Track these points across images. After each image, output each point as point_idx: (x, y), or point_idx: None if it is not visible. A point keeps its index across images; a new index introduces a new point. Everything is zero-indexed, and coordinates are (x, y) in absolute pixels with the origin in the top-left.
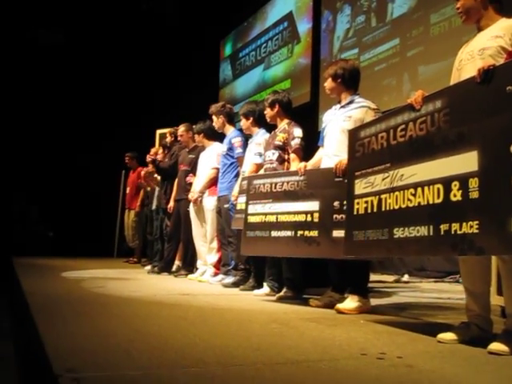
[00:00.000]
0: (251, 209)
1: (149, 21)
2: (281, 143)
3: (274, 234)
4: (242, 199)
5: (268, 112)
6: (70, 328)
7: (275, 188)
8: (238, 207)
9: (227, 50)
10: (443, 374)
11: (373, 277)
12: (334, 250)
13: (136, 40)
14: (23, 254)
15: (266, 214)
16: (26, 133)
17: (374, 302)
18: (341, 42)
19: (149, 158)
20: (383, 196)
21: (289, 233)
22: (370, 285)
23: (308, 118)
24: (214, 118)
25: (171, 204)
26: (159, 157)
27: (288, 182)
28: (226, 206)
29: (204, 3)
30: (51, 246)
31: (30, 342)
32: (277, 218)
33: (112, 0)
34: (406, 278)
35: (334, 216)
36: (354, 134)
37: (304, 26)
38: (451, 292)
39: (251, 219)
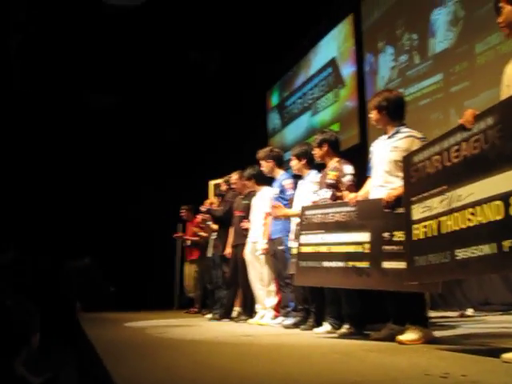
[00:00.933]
0: (303, 239)
1: (196, 75)
2: (333, 181)
3: (326, 264)
4: (296, 243)
5: (317, 152)
6: (137, 364)
7: (327, 219)
8: (294, 251)
9: (274, 99)
10: None
11: (435, 313)
12: (384, 282)
13: (187, 93)
14: (87, 309)
15: (318, 245)
16: (79, 191)
17: (437, 334)
18: (385, 83)
19: (203, 208)
20: (442, 219)
21: (340, 263)
22: (433, 320)
23: (358, 158)
24: (262, 162)
25: (229, 250)
26: (214, 206)
27: (340, 213)
28: (280, 247)
29: (249, 55)
30: (113, 301)
31: (99, 380)
32: (329, 249)
33: (159, 57)
34: (470, 312)
35: (384, 247)
36: (407, 160)
37: (348, 70)
38: None
39: (304, 249)
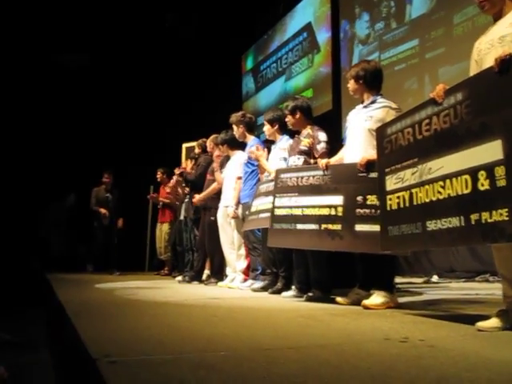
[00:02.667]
0: (278, 202)
1: (172, 37)
2: (306, 148)
3: (300, 226)
4: (258, 201)
5: (289, 119)
6: (105, 324)
7: (301, 182)
8: (254, 209)
9: (249, 63)
10: (463, 352)
11: (402, 279)
12: (356, 244)
13: (160, 57)
14: (56, 270)
15: (291, 207)
16: (51, 153)
17: (402, 299)
18: (360, 50)
19: (178, 171)
20: (414, 190)
21: (313, 226)
22: (399, 286)
23: (331, 125)
24: (234, 127)
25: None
26: (188, 169)
27: (314, 176)
28: (247, 212)
29: (224, 19)
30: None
31: (67, 338)
32: (302, 211)
33: (136, 19)
34: (435, 278)
35: (357, 210)
36: (381, 132)
37: (323, 36)
38: (480, 289)
39: (278, 212)
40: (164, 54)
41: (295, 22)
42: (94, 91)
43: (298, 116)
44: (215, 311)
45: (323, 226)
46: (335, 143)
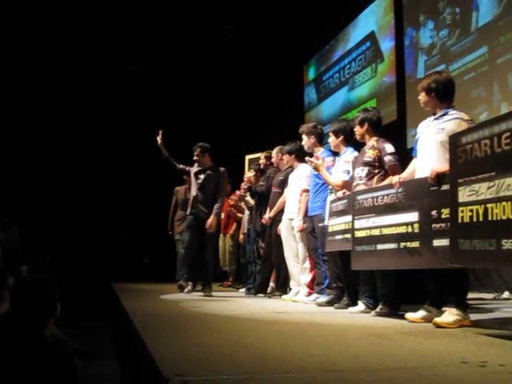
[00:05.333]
0: (357, 224)
1: (233, 49)
2: (370, 159)
3: (380, 247)
4: (333, 221)
5: (357, 130)
6: (174, 340)
7: (377, 202)
8: (329, 230)
9: (311, 73)
10: None
11: (470, 294)
12: (435, 260)
13: (221, 68)
14: (121, 280)
15: (370, 228)
16: (122, 169)
17: (473, 317)
18: (425, 60)
19: (245, 185)
20: (489, 205)
21: (392, 245)
22: (468, 302)
23: (395, 135)
24: (304, 137)
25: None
26: (251, 180)
27: (388, 195)
28: (320, 224)
29: (285, 30)
30: (147, 272)
31: (136, 353)
32: (380, 232)
33: (196, 32)
34: (506, 294)
35: (433, 225)
36: (455, 141)
37: (387, 45)
38: None
39: (358, 234)
40: (225, 65)
41: (358, 31)
42: (157, 104)
43: (365, 128)
44: (283, 327)
45: (402, 244)
46: (400, 154)
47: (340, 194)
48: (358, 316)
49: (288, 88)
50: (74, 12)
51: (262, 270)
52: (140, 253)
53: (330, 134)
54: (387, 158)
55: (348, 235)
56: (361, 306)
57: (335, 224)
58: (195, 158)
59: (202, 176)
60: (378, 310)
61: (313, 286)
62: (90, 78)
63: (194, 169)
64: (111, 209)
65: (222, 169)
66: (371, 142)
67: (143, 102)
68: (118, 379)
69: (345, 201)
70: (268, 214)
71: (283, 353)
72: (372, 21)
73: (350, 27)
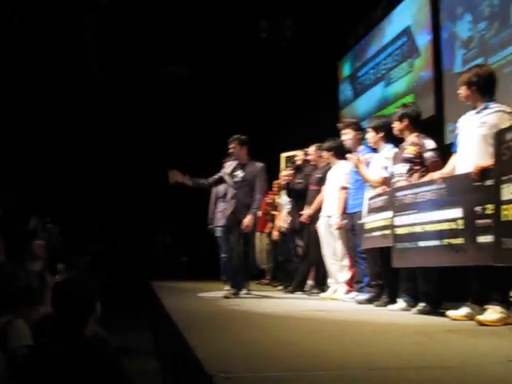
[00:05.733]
0: (397, 220)
1: (267, 47)
2: (411, 155)
3: (422, 244)
4: (370, 218)
5: (397, 125)
6: (216, 338)
7: (418, 198)
8: (367, 227)
9: (346, 70)
10: None
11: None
12: (480, 257)
13: (257, 67)
14: (160, 278)
15: (412, 225)
16: (158, 167)
17: None
18: (463, 51)
19: (283, 181)
20: None
21: (436, 242)
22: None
23: (433, 131)
24: (350, 132)
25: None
26: (287, 178)
27: (430, 191)
28: (360, 222)
29: (321, 26)
30: (185, 270)
31: (178, 351)
32: (423, 228)
33: (230, 31)
34: None
35: (478, 221)
36: (499, 137)
37: (423, 39)
38: None
39: (399, 231)
40: (260, 63)
41: (393, 26)
42: (194, 103)
43: (405, 123)
44: (323, 325)
45: (445, 240)
46: (439, 149)
47: (379, 190)
48: (398, 314)
49: (323, 85)
50: (111, 14)
51: (301, 267)
52: (177, 251)
53: (370, 130)
54: (428, 154)
55: (387, 231)
56: (401, 303)
57: (373, 220)
58: (231, 150)
59: (239, 172)
60: (419, 307)
61: (352, 283)
62: (129, 79)
63: (228, 167)
64: (148, 208)
65: (260, 164)
66: (411, 137)
67: (179, 102)
68: (158, 376)
69: (384, 197)
70: (307, 212)
71: (324, 351)
72: (407, 15)
73: (384, 22)
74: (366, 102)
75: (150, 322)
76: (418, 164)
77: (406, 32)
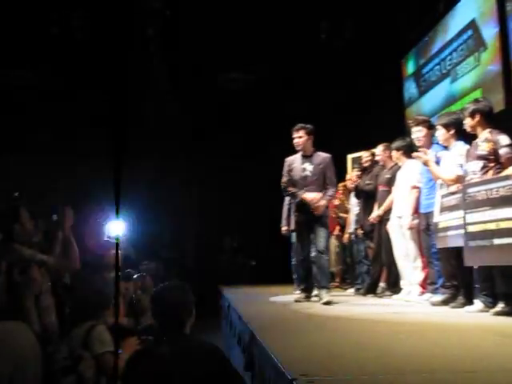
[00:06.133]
0: (469, 218)
1: (329, 48)
2: (485, 152)
3: (497, 241)
4: (444, 217)
5: (468, 122)
6: (293, 341)
7: (491, 194)
8: (440, 226)
9: (410, 68)
10: None
11: None
12: None
13: (319, 68)
14: (229, 283)
15: (485, 222)
16: (226, 172)
17: None
18: None
19: (351, 184)
20: None
21: (511, 239)
22: None
23: (504, 125)
24: (420, 129)
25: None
26: (353, 179)
27: (504, 187)
28: (435, 221)
29: (379, 24)
30: (253, 274)
31: (253, 355)
32: (497, 226)
33: (291, 33)
34: None
35: None
36: None
37: (490, 32)
38: None
39: (471, 229)
40: (322, 64)
41: (457, 20)
42: (256, 108)
43: (476, 119)
44: (399, 327)
45: None
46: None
47: (453, 188)
48: (476, 315)
49: (387, 84)
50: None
51: (372, 270)
52: (246, 255)
53: (440, 127)
54: (503, 151)
55: (461, 231)
56: (478, 304)
57: (447, 219)
58: (297, 140)
59: (306, 166)
60: (497, 308)
61: (425, 285)
62: (195, 87)
63: (293, 162)
64: (216, 212)
65: (327, 154)
66: (484, 134)
67: (243, 106)
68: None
69: (458, 195)
70: (376, 213)
71: (405, 353)
72: (472, 8)
73: (448, 17)
74: (431, 100)
75: (223, 326)
76: (493, 161)
77: (472, 25)
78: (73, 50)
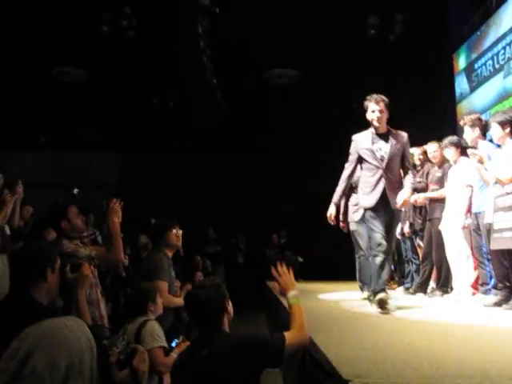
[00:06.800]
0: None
1: (378, 43)
2: None
3: None
4: (499, 217)
5: None
6: (346, 341)
7: None
8: (496, 227)
9: (461, 62)
10: None
11: None
12: None
13: (369, 64)
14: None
15: None
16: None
17: None
18: None
19: None
20: None
21: None
22: None
23: None
24: (467, 129)
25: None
26: None
27: None
28: (485, 222)
29: (433, 17)
30: (301, 271)
31: (306, 355)
32: None
33: (340, 30)
34: None
35: None
36: None
37: None
38: None
39: (496, 226)
40: (372, 60)
41: (511, 14)
42: (304, 104)
43: None
44: (452, 329)
45: None
46: None
47: (510, 188)
48: None
49: (438, 79)
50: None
51: (422, 268)
52: (293, 251)
53: (495, 125)
54: None
55: None
56: None
57: (503, 220)
58: (378, 114)
59: (381, 145)
60: None
61: (477, 285)
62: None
63: (364, 141)
64: (262, 208)
65: (404, 133)
66: None
67: (291, 103)
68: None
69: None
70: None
71: (460, 357)
72: None
73: (501, 11)
74: (483, 95)
75: (270, 322)
76: None
77: None
78: (124, 48)
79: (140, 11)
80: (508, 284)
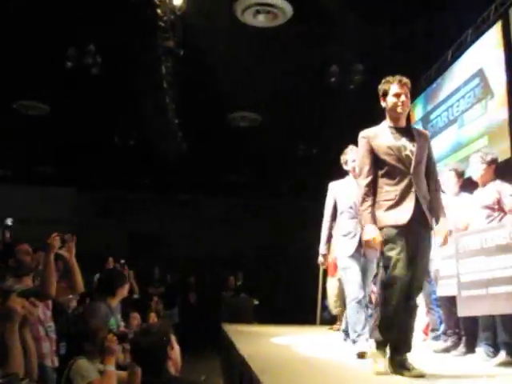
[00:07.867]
0: (462, 267)
1: (335, 91)
2: (490, 202)
3: (492, 290)
4: (445, 264)
5: (483, 168)
6: None
7: (486, 244)
8: (442, 273)
9: (417, 113)
10: None
11: None
12: None
13: (327, 109)
14: (231, 321)
15: (480, 272)
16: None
17: None
18: None
19: None
20: None
21: (509, 288)
22: None
23: (510, 174)
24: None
25: None
26: None
27: (499, 236)
28: (434, 268)
29: (389, 69)
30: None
31: None
32: (492, 274)
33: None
34: None
35: None
36: None
37: (497, 81)
38: None
39: (464, 278)
40: (329, 105)
41: (465, 68)
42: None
43: (493, 168)
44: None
45: None
46: None
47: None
48: (477, 366)
49: None
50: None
51: (375, 313)
52: (248, 294)
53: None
54: (508, 200)
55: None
56: (480, 354)
57: (447, 267)
58: (403, 99)
59: (405, 143)
60: (499, 359)
61: (428, 331)
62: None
63: (387, 137)
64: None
65: (425, 130)
66: (492, 183)
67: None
68: None
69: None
70: None
71: None
72: (480, 56)
73: (456, 65)
74: (439, 145)
75: (224, 365)
76: (497, 210)
77: (479, 73)
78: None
79: (105, 49)
80: (457, 330)
